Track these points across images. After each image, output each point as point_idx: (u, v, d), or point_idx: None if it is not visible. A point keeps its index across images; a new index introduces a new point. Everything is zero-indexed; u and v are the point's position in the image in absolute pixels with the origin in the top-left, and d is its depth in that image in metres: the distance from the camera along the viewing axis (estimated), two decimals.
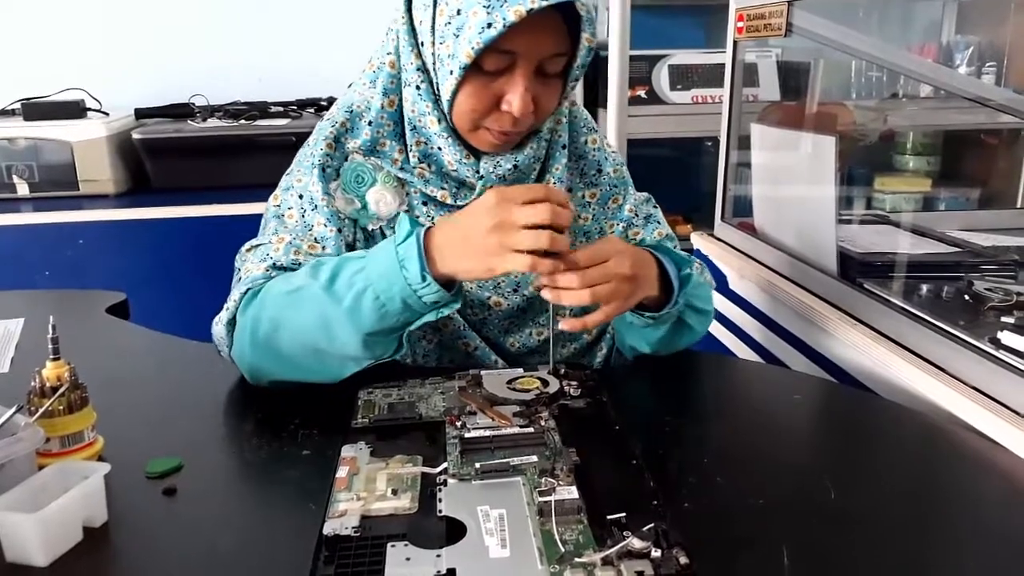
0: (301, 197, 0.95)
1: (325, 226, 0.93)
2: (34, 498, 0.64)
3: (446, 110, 0.87)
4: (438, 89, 0.88)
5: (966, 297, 1.14)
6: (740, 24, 1.62)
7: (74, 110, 2.15)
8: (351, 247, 0.94)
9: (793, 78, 2.26)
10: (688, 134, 2.54)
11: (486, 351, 0.99)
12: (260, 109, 2.35)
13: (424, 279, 0.79)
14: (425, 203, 0.95)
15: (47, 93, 2.19)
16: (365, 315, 0.81)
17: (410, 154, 0.93)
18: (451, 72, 0.83)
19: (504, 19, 0.78)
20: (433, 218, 0.94)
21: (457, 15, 0.82)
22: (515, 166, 0.92)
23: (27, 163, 2.07)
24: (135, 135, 2.14)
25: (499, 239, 0.77)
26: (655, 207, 1.07)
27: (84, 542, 0.65)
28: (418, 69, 0.88)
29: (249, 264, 0.93)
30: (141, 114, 2.32)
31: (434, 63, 0.86)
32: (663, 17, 2.76)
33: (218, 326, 0.92)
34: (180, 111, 2.34)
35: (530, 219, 0.77)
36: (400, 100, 0.92)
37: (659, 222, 1.06)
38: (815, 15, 1.46)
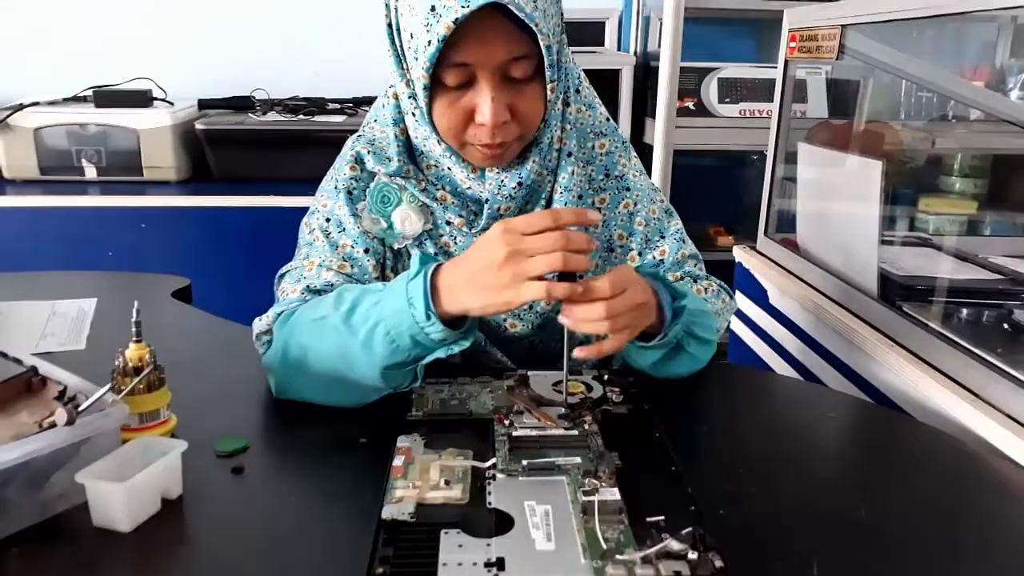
0: (328, 220, 0.98)
1: (352, 247, 0.96)
2: (119, 469, 0.68)
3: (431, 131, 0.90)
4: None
5: (1005, 325, 1.16)
6: (792, 44, 1.64)
7: (141, 99, 2.22)
8: (381, 265, 0.98)
9: (842, 96, 2.25)
10: (734, 147, 2.56)
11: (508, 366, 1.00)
12: (318, 105, 2.41)
13: (429, 318, 0.79)
14: (449, 223, 0.96)
15: (117, 81, 2.27)
16: (378, 349, 0.82)
17: (428, 177, 0.95)
18: (421, 94, 0.86)
19: (439, 35, 0.79)
20: (456, 239, 0.97)
21: (411, 38, 0.84)
22: (519, 183, 0.92)
23: (96, 148, 2.16)
24: (198, 125, 2.21)
25: (511, 271, 0.77)
26: (672, 217, 1.06)
27: (161, 512, 0.70)
28: (410, 97, 0.90)
29: (286, 285, 0.97)
30: (204, 105, 2.40)
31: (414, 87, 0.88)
32: (715, 30, 2.78)
33: (255, 332, 0.96)
34: (242, 104, 2.41)
35: (542, 247, 0.77)
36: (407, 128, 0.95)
37: (683, 240, 1.05)
38: (867, 37, 1.47)
